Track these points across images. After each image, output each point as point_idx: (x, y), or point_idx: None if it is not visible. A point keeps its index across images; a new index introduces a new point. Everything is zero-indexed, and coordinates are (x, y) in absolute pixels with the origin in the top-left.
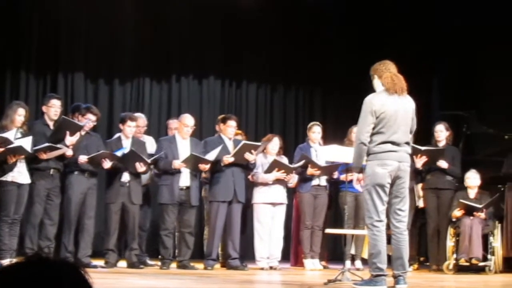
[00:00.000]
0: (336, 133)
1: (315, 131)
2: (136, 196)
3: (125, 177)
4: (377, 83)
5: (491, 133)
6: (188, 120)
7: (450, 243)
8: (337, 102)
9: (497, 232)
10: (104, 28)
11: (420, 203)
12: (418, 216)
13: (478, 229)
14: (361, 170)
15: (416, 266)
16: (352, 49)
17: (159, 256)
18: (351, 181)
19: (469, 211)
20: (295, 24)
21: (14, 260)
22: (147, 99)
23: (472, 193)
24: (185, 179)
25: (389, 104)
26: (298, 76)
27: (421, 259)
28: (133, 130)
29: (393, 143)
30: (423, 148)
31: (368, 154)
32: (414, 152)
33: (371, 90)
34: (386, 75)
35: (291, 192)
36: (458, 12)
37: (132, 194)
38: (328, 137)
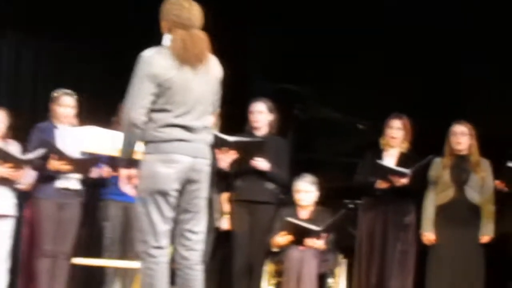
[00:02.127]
0: (99, 109)
1: (65, 104)
2: None
3: None
4: (165, 33)
5: (339, 119)
6: None
7: (268, 286)
8: (99, 65)
9: (341, 270)
10: None
11: (224, 224)
12: (221, 242)
13: (312, 266)
14: (133, 163)
15: None
16: None
17: None
18: (117, 183)
19: (300, 237)
20: None
21: None
22: None
23: (305, 209)
24: None
25: (178, 69)
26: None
27: None
28: None
29: (184, 127)
30: (232, 138)
31: (145, 143)
32: (219, 144)
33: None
34: (178, 34)
35: (23, 198)
36: None
37: None
38: (86, 115)
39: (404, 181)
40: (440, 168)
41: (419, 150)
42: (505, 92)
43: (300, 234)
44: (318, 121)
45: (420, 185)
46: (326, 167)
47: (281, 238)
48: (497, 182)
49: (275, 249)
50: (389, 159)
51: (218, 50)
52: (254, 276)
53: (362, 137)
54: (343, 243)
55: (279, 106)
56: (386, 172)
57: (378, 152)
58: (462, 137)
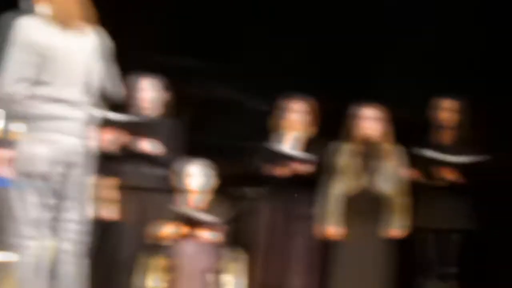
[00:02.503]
0: None
1: None
2: None
3: None
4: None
5: (238, 100)
6: None
7: (156, 282)
8: None
9: (238, 267)
10: None
11: (109, 212)
12: (106, 233)
13: (204, 261)
14: (9, 143)
15: None
16: None
17: None
18: None
19: (193, 228)
20: None
21: None
22: None
23: (198, 198)
24: None
25: (58, 36)
26: None
27: None
28: None
29: (64, 103)
30: (119, 117)
31: (22, 121)
32: (104, 123)
33: None
34: None
35: None
36: None
37: None
38: None
39: (306, 168)
40: (347, 155)
41: (325, 134)
42: (415, 73)
43: (193, 225)
44: (215, 101)
45: (325, 173)
46: (223, 152)
47: (172, 229)
48: (411, 171)
49: (164, 242)
50: (290, 144)
51: (104, 20)
52: (141, 270)
53: (263, 119)
54: (241, 237)
55: (172, 83)
56: (285, 158)
57: (278, 136)
58: (372, 122)
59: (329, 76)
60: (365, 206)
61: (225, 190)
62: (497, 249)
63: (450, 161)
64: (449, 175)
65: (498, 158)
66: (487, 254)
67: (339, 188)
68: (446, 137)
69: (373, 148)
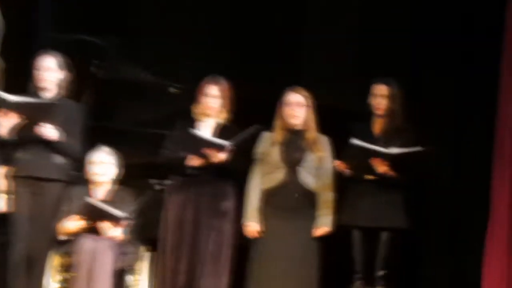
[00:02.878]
0: None
1: None
2: None
3: None
4: None
5: (146, 81)
6: None
7: (52, 282)
8: None
9: (144, 266)
10: None
11: (1, 204)
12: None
13: (106, 259)
14: None
15: None
16: None
17: None
18: None
19: (96, 222)
20: None
21: None
22: None
23: (101, 188)
24: None
25: None
26: None
27: None
28: None
29: None
30: (14, 98)
31: None
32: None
33: None
34: None
35: None
36: None
37: None
38: None
39: (222, 156)
40: (268, 145)
41: (244, 122)
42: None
43: (96, 219)
44: (120, 82)
45: (243, 163)
46: (129, 139)
47: (72, 224)
48: (338, 162)
49: (63, 237)
50: (206, 130)
51: None
52: (35, 269)
53: (174, 103)
54: (148, 233)
55: (73, 62)
56: (200, 145)
57: (191, 123)
58: (297, 108)
59: (248, 56)
60: (288, 201)
61: (133, 181)
62: (431, 249)
63: (381, 152)
64: (380, 167)
65: (432, 150)
66: (420, 254)
67: (260, 180)
68: (378, 125)
69: (297, 137)
